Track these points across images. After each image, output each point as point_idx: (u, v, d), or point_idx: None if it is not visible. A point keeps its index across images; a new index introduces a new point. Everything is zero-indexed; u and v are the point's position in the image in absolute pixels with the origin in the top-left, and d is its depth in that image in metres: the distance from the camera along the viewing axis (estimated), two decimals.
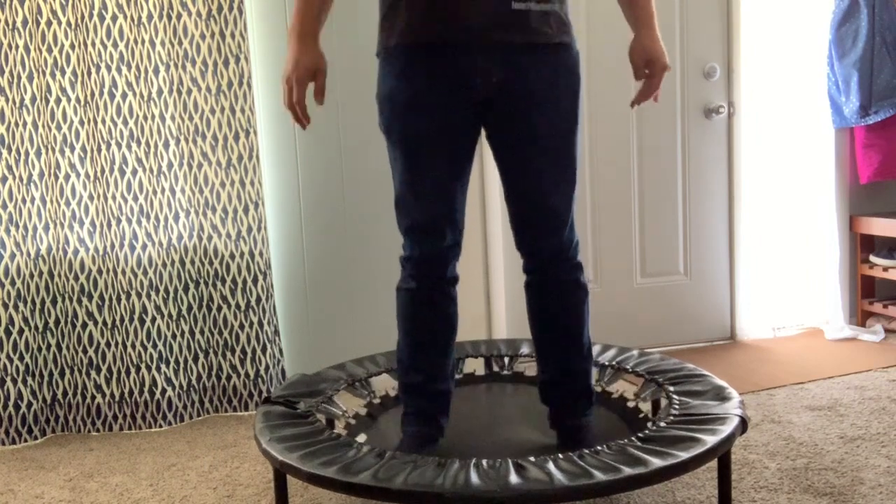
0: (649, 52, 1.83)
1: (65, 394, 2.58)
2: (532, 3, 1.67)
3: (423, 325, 1.88)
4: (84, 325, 2.55)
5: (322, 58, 1.78)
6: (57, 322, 2.55)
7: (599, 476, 1.45)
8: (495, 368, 2.41)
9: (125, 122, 2.51)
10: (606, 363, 2.20)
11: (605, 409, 2.10)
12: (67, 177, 2.50)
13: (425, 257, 1.83)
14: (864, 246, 3.35)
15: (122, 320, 2.55)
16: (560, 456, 1.54)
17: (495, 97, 1.72)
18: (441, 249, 1.81)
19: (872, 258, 3.31)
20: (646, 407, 2.11)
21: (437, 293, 1.86)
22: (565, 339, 1.88)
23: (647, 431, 1.66)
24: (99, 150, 2.51)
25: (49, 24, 2.44)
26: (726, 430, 1.63)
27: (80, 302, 2.54)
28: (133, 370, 2.56)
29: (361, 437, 2.00)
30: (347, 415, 2.06)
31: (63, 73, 2.46)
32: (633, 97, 1.90)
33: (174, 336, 2.61)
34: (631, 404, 2.08)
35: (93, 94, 2.49)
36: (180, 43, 2.54)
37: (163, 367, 2.58)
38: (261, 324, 2.65)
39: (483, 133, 1.81)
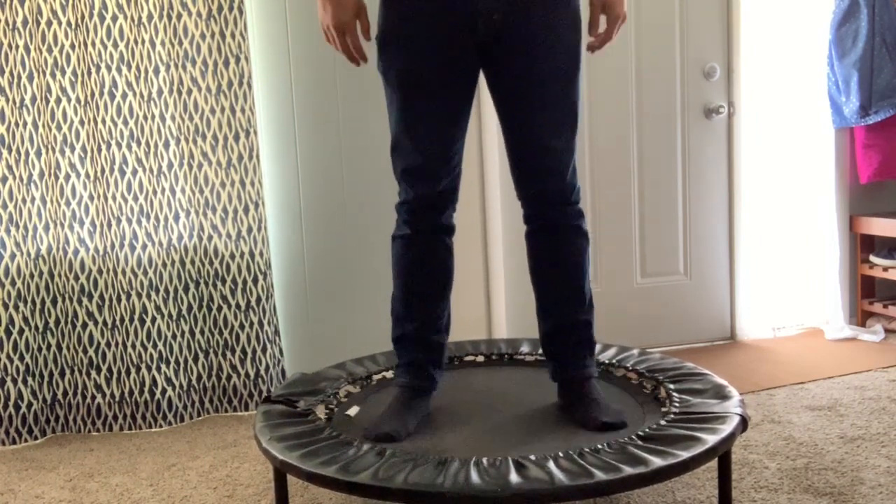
0: None
1: (65, 394, 2.58)
2: None
3: (416, 273, 1.86)
4: (84, 325, 2.55)
5: None
6: (57, 322, 2.55)
7: (599, 475, 1.45)
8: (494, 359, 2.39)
9: (125, 122, 2.51)
10: (606, 362, 2.19)
11: (608, 383, 2.08)
12: (67, 177, 2.50)
13: (420, 201, 1.81)
14: (864, 246, 3.35)
15: (122, 320, 2.55)
16: (560, 455, 1.54)
17: (495, 37, 1.71)
18: (436, 193, 1.80)
19: (872, 258, 3.31)
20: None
21: (432, 240, 1.85)
22: (566, 288, 1.87)
23: (647, 430, 1.66)
24: (99, 150, 2.51)
25: (49, 24, 2.44)
26: (727, 429, 1.62)
27: (80, 302, 2.54)
28: (133, 370, 2.56)
29: (353, 410, 1.98)
30: (339, 395, 2.05)
31: (63, 73, 2.46)
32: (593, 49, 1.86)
33: (174, 336, 2.61)
34: (634, 382, 2.06)
35: (93, 94, 2.49)
36: (180, 43, 2.54)
37: (163, 367, 2.58)
38: (261, 324, 2.65)
39: (483, 86, 1.80)
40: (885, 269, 3.23)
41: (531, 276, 1.91)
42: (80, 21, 2.46)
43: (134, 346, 2.55)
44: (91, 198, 2.53)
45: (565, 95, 1.77)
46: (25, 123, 2.45)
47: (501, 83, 1.79)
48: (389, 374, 2.19)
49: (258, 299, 2.64)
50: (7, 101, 2.43)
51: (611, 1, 1.80)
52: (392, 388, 1.99)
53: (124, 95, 2.50)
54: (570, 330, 1.89)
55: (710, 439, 1.58)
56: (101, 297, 2.55)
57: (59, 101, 2.47)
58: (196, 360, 2.67)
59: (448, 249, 1.88)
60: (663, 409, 1.82)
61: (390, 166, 1.85)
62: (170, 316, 2.60)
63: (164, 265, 2.59)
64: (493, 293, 3.01)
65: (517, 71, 1.75)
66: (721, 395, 1.83)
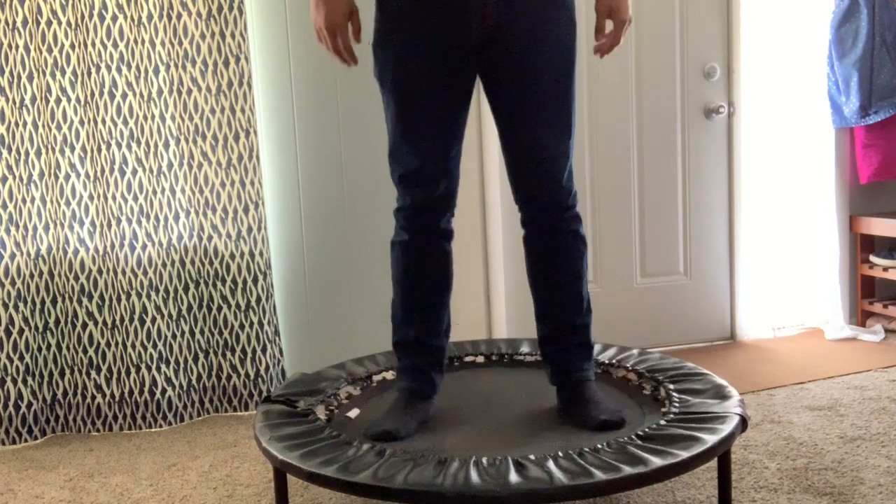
0: (613, 1, 1.80)
1: (65, 394, 2.58)
2: None
3: (415, 278, 1.86)
4: (84, 325, 2.55)
5: None
6: (57, 322, 2.55)
7: (599, 475, 1.45)
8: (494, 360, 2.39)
9: (125, 122, 2.51)
10: (606, 362, 2.19)
11: (607, 385, 2.08)
12: (67, 177, 2.50)
13: (417, 206, 1.81)
14: (864, 246, 3.35)
15: (122, 320, 2.55)
16: (560, 455, 1.54)
17: (490, 39, 1.71)
18: (434, 198, 1.80)
19: (872, 258, 3.31)
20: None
21: (430, 245, 1.85)
22: (563, 293, 1.87)
23: (646, 430, 1.66)
24: (99, 150, 2.51)
25: (49, 24, 2.44)
26: (726, 428, 1.62)
27: (80, 302, 2.54)
28: (133, 370, 2.56)
29: (354, 412, 1.98)
30: (340, 397, 2.05)
31: (63, 73, 2.46)
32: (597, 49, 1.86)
33: (174, 336, 2.61)
34: (633, 383, 2.06)
35: (93, 94, 2.49)
36: (180, 43, 2.55)
37: (163, 367, 2.58)
38: (261, 324, 2.65)
39: (480, 96, 1.80)
40: (885, 269, 3.23)
41: (529, 280, 1.91)
42: (80, 21, 2.46)
43: (134, 346, 2.55)
44: (91, 198, 2.53)
45: (560, 98, 1.76)
46: (25, 123, 2.46)
47: (496, 86, 1.78)
48: (390, 375, 2.19)
49: (258, 299, 2.64)
50: (7, 101, 2.43)
51: (616, 6, 1.80)
52: (393, 391, 1.99)
53: (124, 95, 2.50)
54: (568, 334, 1.89)
55: (710, 439, 1.58)
56: (101, 297, 2.55)
57: (59, 101, 2.47)
58: (196, 360, 2.67)
59: (447, 254, 1.87)
60: (663, 410, 1.82)
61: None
62: (170, 316, 2.60)
63: (164, 265, 2.59)
64: (493, 293, 3.01)
65: (511, 73, 1.74)
66: (721, 395, 1.83)
